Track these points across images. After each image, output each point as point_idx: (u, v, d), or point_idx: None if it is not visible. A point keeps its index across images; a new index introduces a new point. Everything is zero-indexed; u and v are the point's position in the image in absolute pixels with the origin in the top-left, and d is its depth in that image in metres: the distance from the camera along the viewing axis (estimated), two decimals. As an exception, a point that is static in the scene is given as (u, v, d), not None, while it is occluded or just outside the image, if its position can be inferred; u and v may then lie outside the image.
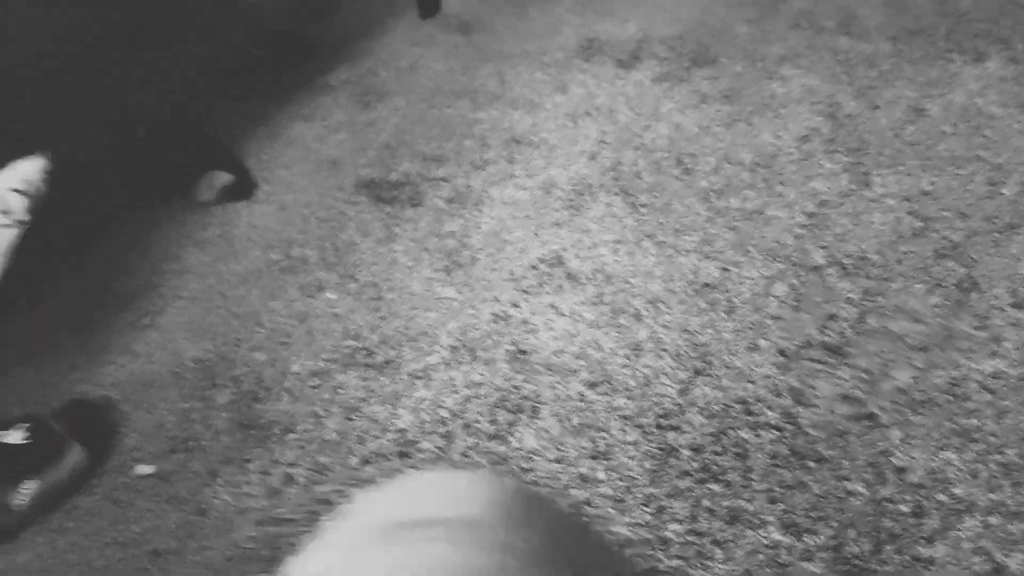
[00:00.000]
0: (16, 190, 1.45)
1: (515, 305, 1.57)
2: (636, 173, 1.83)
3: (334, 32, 2.81)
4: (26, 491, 1.36)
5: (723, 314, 1.45)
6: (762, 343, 1.38)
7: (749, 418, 1.26)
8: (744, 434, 1.24)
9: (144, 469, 1.42)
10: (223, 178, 2.07)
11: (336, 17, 2.93)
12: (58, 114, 1.54)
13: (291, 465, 1.37)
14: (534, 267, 1.65)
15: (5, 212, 1.42)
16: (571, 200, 1.80)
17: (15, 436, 1.39)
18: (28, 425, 1.41)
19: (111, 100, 1.66)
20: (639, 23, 2.45)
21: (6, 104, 1.45)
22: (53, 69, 1.52)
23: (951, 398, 1.24)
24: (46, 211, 1.56)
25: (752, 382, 1.32)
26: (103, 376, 1.61)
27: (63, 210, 1.74)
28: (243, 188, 2.08)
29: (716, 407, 1.29)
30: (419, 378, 1.47)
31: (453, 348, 1.51)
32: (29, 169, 1.46)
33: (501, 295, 1.60)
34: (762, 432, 1.23)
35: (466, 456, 1.31)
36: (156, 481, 1.40)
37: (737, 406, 1.28)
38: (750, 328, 1.41)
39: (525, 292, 1.59)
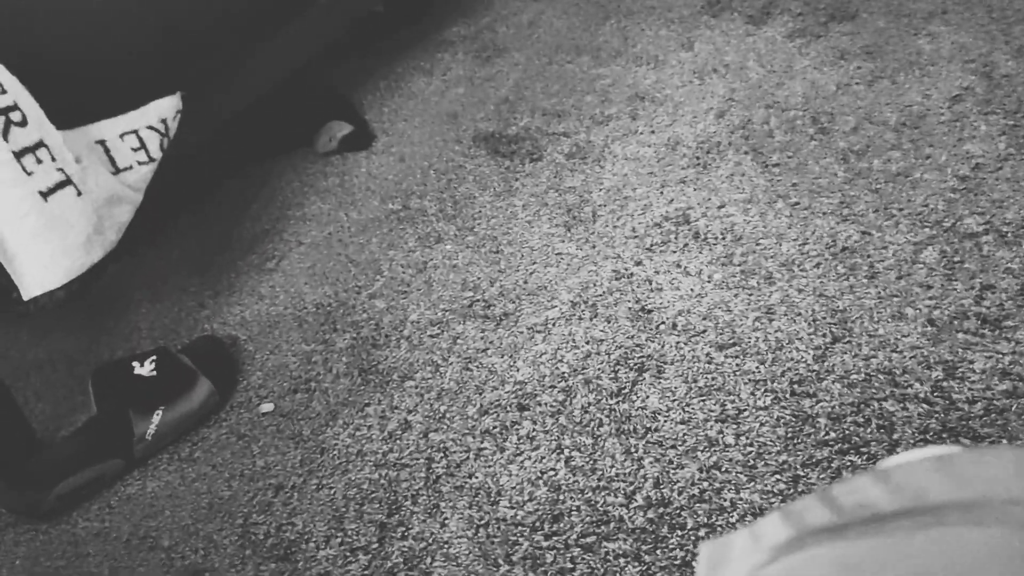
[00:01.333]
0: (152, 128, 1.48)
1: (638, 263, 1.52)
2: (768, 132, 1.74)
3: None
4: (156, 420, 1.40)
5: (864, 280, 1.36)
6: (909, 312, 1.29)
7: (895, 389, 1.18)
8: (889, 406, 1.16)
9: (267, 407, 1.44)
10: (343, 129, 2.08)
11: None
12: (197, 57, 1.57)
13: (409, 412, 1.37)
14: (658, 224, 1.59)
15: (142, 149, 1.46)
16: (698, 158, 1.73)
17: (147, 368, 1.44)
18: (156, 358, 1.46)
19: (250, 54, 1.68)
20: (771, -22, 2.32)
21: (147, 44, 1.48)
22: (197, 17, 1.55)
23: None
24: (176, 152, 1.59)
25: (898, 352, 1.23)
26: (230, 316, 1.65)
27: (191, 154, 1.78)
28: (362, 139, 2.08)
29: (857, 376, 1.21)
30: (538, 332, 1.45)
31: (573, 304, 1.48)
32: (164, 108, 1.49)
33: (623, 252, 1.55)
34: (910, 405, 1.15)
35: (587, 412, 1.28)
36: (279, 419, 1.42)
37: (881, 376, 1.20)
38: (895, 296, 1.32)
39: (649, 250, 1.54)
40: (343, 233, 1.80)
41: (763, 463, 1.14)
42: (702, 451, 1.18)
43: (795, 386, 1.23)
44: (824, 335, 1.29)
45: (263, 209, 1.95)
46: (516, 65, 2.25)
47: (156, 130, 1.48)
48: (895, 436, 1.12)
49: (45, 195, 1.25)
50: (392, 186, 1.91)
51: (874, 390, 1.19)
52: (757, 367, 1.27)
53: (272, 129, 2.14)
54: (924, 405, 1.15)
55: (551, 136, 1.92)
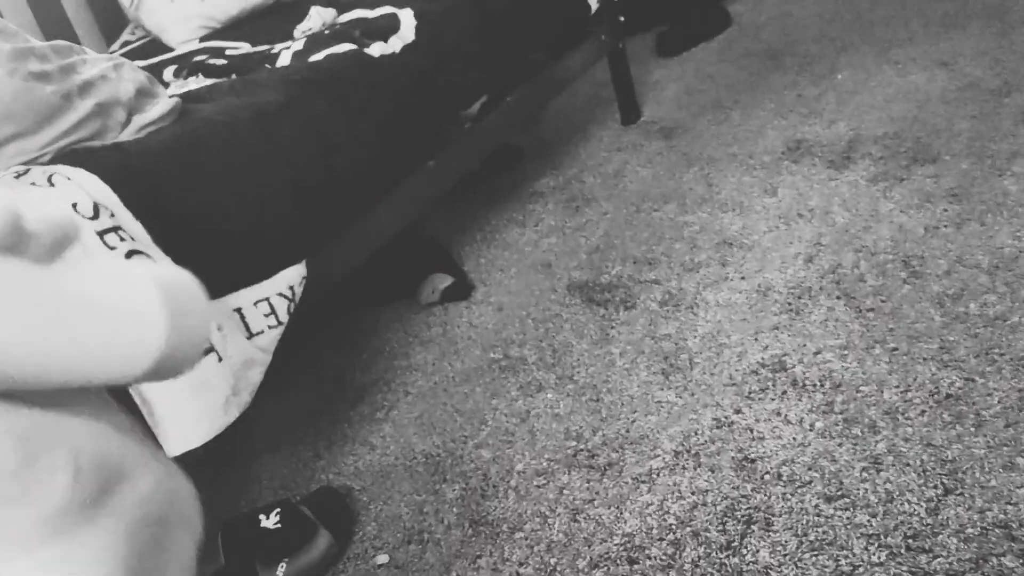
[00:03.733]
0: (281, 294, 1.62)
1: (738, 411, 1.55)
2: (859, 276, 1.79)
3: (540, 139, 2.98)
4: (280, 572, 1.47)
5: (971, 428, 1.36)
6: (1020, 461, 1.28)
7: (1012, 544, 1.16)
8: (1008, 561, 1.14)
9: (382, 559, 1.50)
10: (444, 281, 2.22)
11: (541, 125, 3.11)
12: (322, 227, 1.73)
13: (520, 564, 1.41)
14: (755, 372, 1.63)
15: (272, 314, 1.60)
16: (790, 303, 1.78)
17: (272, 521, 1.52)
18: (280, 511, 1.55)
19: (365, 215, 1.84)
20: (848, 123, 2.42)
21: (280, 216, 1.65)
22: (323, 185, 1.72)
23: None
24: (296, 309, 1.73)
25: (1012, 504, 1.22)
26: (344, 466, 1.74)
27: (307, 309, 1.92)
28: (462, 290, 2.21)
29: (972, 530, 1.20)
30: (643, 482, 1.48)
31: (676, 453, 1.51)
32: (292, 275, 1.64)
33: (722, 400, 1.59)
34: (1031, 562, 1.14)
35: (697, 566, 1.29)
36: (394, 570, 1.48)
37: (997, 530, 1.19)
38: (1005, 445, 1.31)
39: (748, 398, 1.58)
40: (448, 383, 1.89)
41: (883, 623, 1.13)
42: (818, 609, 1.17)
43: (910, 541, 1.22)
44: (935, 487, 1.29)
45: (372, 359, 2.07)
46: (605, 214, 2.37)
47: (285, 296, 1.62)
48: (1020, 596, 1.10)
49: (191, 362, 1.38)
50: (492, 335, 2.00)
51: (991, 544, 1.18)
52: (868, 520, 1.27)
53: (379, 280, 2.29)
54: (1048, 563, 1.13)
55: (643, 284, 2.00)
